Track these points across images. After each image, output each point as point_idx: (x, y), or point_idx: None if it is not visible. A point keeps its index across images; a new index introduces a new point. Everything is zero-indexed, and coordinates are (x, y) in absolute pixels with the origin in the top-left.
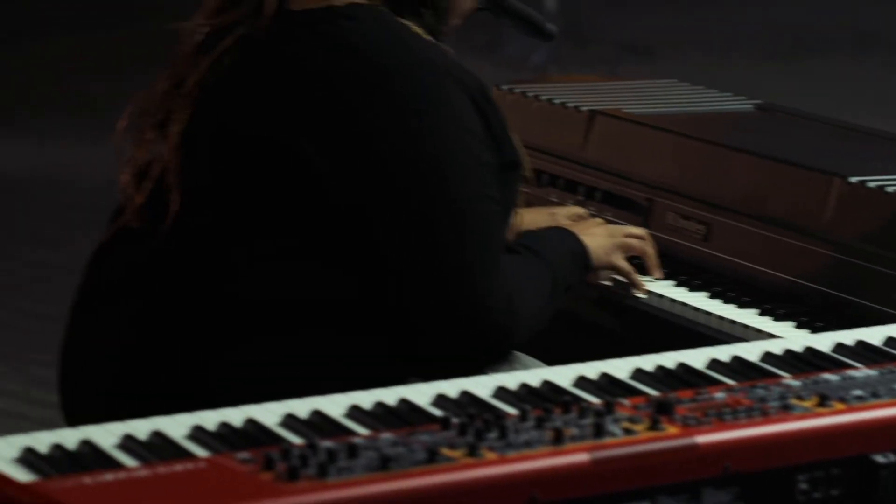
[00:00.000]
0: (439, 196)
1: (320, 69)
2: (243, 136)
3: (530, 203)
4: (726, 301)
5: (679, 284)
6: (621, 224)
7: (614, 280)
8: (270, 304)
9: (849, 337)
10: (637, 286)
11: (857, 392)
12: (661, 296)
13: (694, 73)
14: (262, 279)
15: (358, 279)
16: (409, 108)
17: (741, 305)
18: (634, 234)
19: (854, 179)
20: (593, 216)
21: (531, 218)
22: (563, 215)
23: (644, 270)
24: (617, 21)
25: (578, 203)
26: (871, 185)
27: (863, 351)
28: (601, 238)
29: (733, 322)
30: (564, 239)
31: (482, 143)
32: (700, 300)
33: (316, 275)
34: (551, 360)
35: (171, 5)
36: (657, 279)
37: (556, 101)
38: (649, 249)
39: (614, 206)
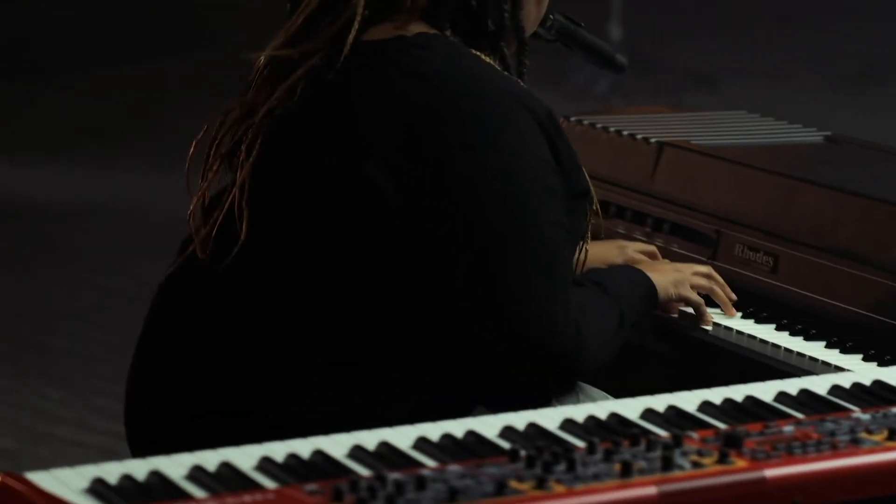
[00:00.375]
0: (507, 223)
1: (389, 98)
2: (313, 166)
3: (598, 234)
4: (793, 333)
5: (746, 316)
6: (691, 257)
7: (681, 312)
8: (337, 333)
9: None
10: (705, 319)
11: None
12: (728, 328)
13: (758, 102)
14: (329, 309)
15: (425, 308)
16: (477, 135)
17: (808, 338)
18: (701, 272)
19: None
20: (660, 248)
21: (601, 250)
22: (634, 249)
23: (714, 307)
24: (680, 51)
25: (646, 234)
26: None
27: None
28: (669, 273)
29: (801, 354)
30: (632, 275)
31: (551, 171)
32: (767, 332)
33: (383, 304)
34: (617, 391)
35: (235, 37)
36: (730, 316)
37: (625, 133)
38: (717, 288)
39: (682, 237)
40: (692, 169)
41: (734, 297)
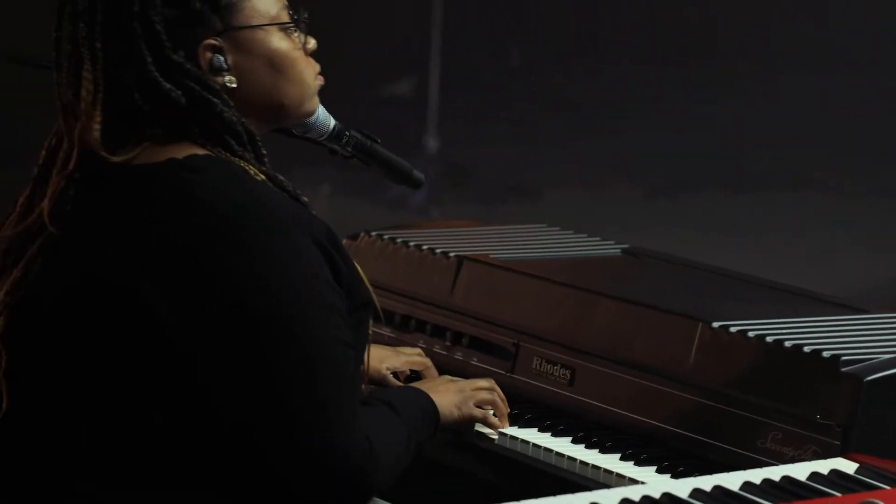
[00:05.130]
0: (291, 346)
1: (165, 221)
2: (90, 289)
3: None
4: (589, 446)
5: (543, 429)
6: (490, 370)
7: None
8: (123, 468)
9: (708, 482)
10: (495, 427)
11: None
12: (525, 441)
13: (575, 211)
14: (113, 442)
15: (215, 439)
16: (255, 257)
17: (604, 450)
18: (482, 387)
19: (717, 324)
20: (459, 361)
21: (379, 353)
22: (409, 353)
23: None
24: (497, 160)
25: (445, 348)
26: (734, 329)
27: (721, 497)
28: (451, 395)
29: (596, 467)
30: (418, 397)
31: (331, 288)
32: (564, 445)
33: (171, 436)
34: None
35: None
36: (504, 428)
37: (424, 248)
38: (498, 400)
39: (481, 351)
40: (491, 283)
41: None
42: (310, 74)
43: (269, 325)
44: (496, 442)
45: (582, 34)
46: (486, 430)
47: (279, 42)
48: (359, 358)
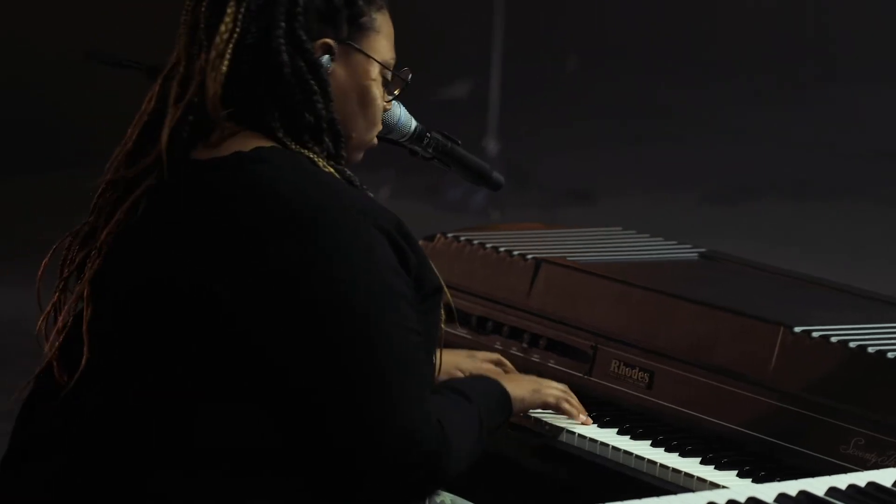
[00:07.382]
0: (361, 333)
1: (233, 213)
2: (158, 282)
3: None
4: (669, 449)
5: (622, 432)
6: (567, 373)
7: (540, 420)
8: (195, 450)
9: (793, 487)
10: (573, 415)
11: None
12: (604, 444)
13: (634, 215)
14: (186, 426)
15: (285, 425)
16: (322, 248)
17: (684, 454)
18: (556, 386)
19: (799, 329)
20: (536, 364)
21: (452, 358)
22: (482, 358)
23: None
24: (557, 164)
25: (523, 350)
26: (816, 335)
27: (806, 502)
28: (525, 383)
29: (676, 471)
30: (488, 384)
31: (398, 276)
32: (643, 448)
33: (241, 421)
34: None
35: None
36: (583, 423)
37: (501, 250)
38: (569, 397)
39: (558, 353)
40: (568, 285)
41: (585, 415)
42: (376, 128)
43: (336, 313)
44: (575, 444)
45: (642, 41)
46: (563, 423)
47: (377, 84)
48: (429, 345)
